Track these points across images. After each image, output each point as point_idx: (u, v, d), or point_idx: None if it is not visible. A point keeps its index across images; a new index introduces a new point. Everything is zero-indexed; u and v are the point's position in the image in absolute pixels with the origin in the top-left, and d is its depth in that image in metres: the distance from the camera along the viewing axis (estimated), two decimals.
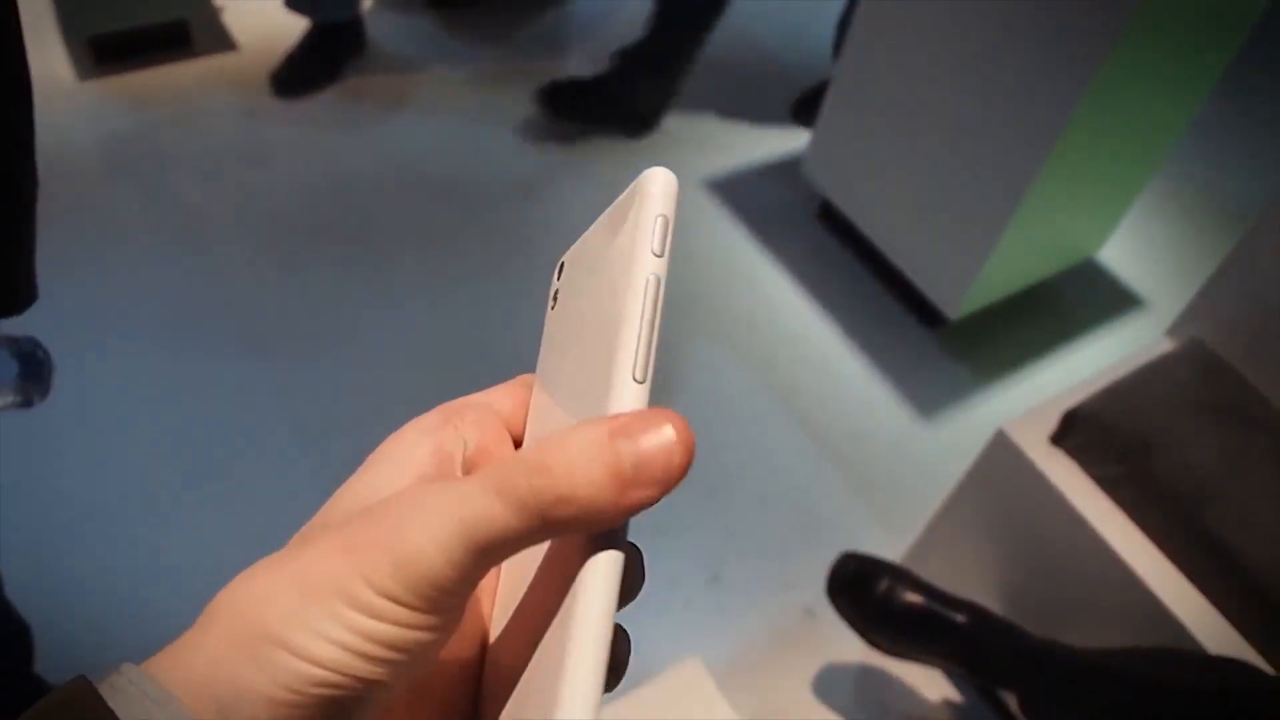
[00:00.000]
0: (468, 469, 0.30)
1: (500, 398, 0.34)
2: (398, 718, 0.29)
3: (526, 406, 0.34)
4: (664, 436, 0.26)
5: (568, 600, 0.26)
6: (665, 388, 1.75)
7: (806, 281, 2.06)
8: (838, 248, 2.13)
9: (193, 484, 1.55)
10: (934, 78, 1.74)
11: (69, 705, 0.24)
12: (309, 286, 1.86)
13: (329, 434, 1.61)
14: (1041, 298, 2.08)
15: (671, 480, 0.25)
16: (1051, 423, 1.26)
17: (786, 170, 2.28)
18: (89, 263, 1.81)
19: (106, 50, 2.19)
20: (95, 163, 2.01)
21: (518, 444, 0.33)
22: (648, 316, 0.27)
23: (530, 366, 0.35)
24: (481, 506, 0.25)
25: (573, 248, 0.34)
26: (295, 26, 2.28)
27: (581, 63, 2.15)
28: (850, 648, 1.48)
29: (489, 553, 0.25)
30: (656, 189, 0.28)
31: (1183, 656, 1.11)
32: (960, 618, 1.25)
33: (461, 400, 0.33)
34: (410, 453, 0.30)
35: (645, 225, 0.28)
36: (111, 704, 0.24)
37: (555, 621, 0.26)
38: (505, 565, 0.33)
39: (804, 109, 2.41)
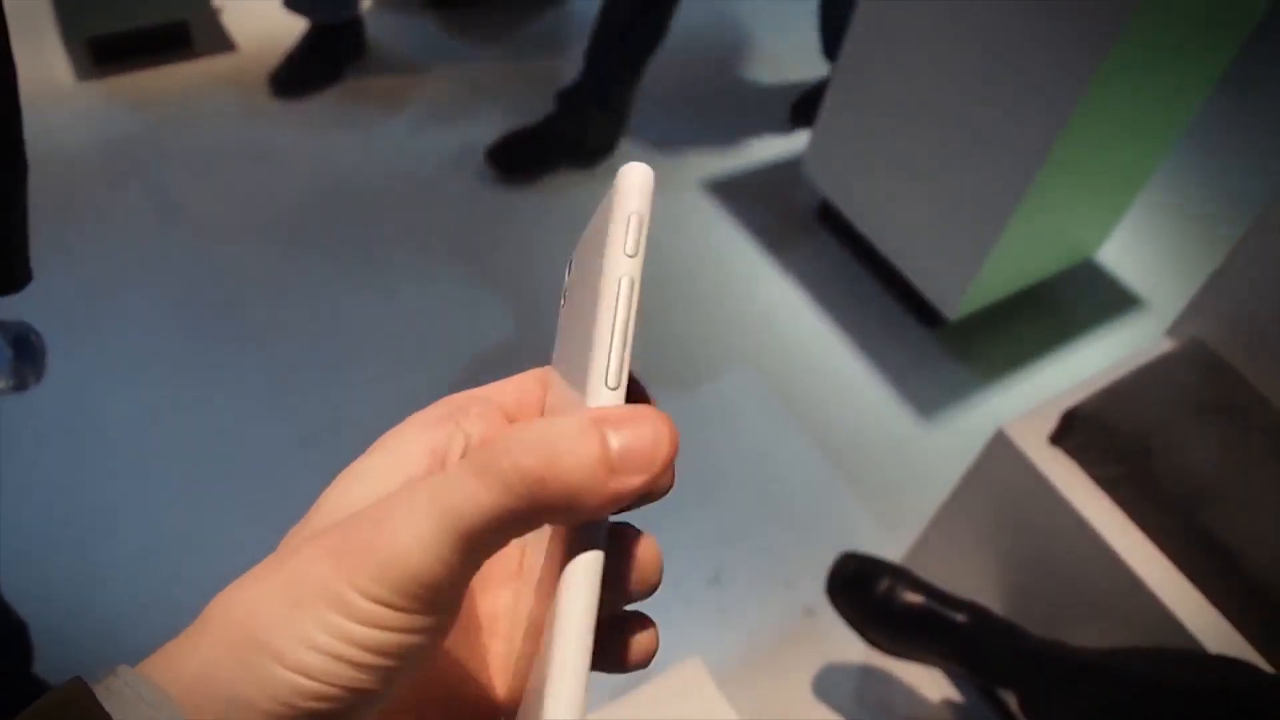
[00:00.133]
0: None
1: (507, 391, 0.33)
2: None
3: (535, 400, 0.33)
4: (649, 426, 0.25)
5: (553, 603, 0.25)
6: (666, 388, 1.75)
7: (806, 282, 2.06)
8: (837, 248, 2.13)
9: (192, 481, 1.55)
10: (933, 78, 1.74)
11: (65, 707, 0.24)
12: (308, 286, 1.86)
13: (328, 432, 1.61)
14: (1041, 298, 2.08)
15: (656, 470, 0.25)
16: (1051, 423, 1.26)
17: (786, 170, 2.28)
18: (89, 262, 1.81)
19: (106, 51, 2.19)
20: (95, 163, 2.01)
21: None
22: (620, 321, 0.27)
23: (529, 365, 0.35)
24: (461, 492, 0.24)
25: (579, 242, 0.34)
26: (295, 27, 2.28)
27: (580, 62, 2.14)
28: (850, 647, 1.48)
29: (474, 540, 0.25)
30: (630, 185, 0.28)
31: (1183, 656, 1.11)
32: (960, 617, 1.25)
33: (466, 394, 0.32)
34: (404, 448, 0.29)
35: (619, 224, 0.27)
36: (107, 706, 0.23)
37: (546, 625, 0.26)
38: (522, 584, 0.33)
39: (802, 110, 2.39)
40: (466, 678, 0.31)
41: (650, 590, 0.30)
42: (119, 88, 2.18)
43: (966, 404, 1.89)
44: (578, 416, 0.25)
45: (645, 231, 0.27)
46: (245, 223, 1.96)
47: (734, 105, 2.46)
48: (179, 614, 0.27)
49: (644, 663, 0.30)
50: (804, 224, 2.18)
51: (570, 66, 2.44)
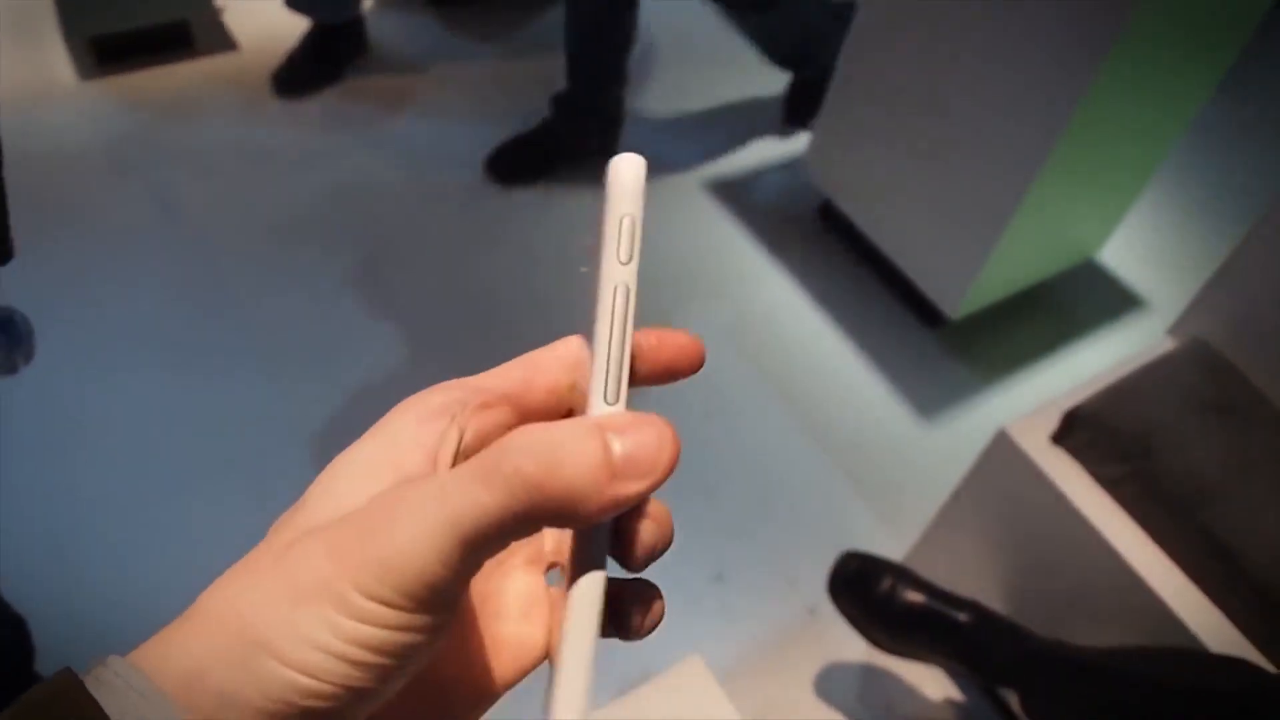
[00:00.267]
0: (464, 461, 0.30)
1: (514, 374, 0.31)
2: None
3: (547, 378, 0.31)
4: (652, 432, 0.25)
5: (562, 613, 0.26)
6: (667, 387, 1.74)
7: (807, 281, 2.06)
8: (838, 247, 2.13)
9: (189, 476, 1.55)
10: (935, 77, 1.74)
11: (55, 699, 0.24)
12: (309, 286, 1.86)
13: (324, 429, 1.61)
14: (1043, 297, 2.08)
15: (658, 476, 0.25)
16: (1053, 422, 1.26)
17: (787, 170, 2.28)
18: (90, 260, 1.82)
19: (108, 50, 2.19)
20: (97, 162, 2.01)
21: (538, 417, 0.31)
22: (616, 333, 0.27)
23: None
24: (463, 497, 0.24)
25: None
26: (296, 27, 2.28)
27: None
28: (852, 647, 1.48)
29: (476, 543, 0.25)
30: (621, 182, 0.27)
31: (1184, 656, 1.11)
32: (962, 617, 1.25)
33: (468, 382, 0.31)
34: (397, 441, 0.28)
35: (611, 228, 0.27)
36: (97, 696, 0.23)
37: (556, 638, 0.27)
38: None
39: (794, 111, 2.39)
40: (460, 661, 0.31)
41: (661, 550, 0.30)
42: (120, 87, 2.18)
43: (968, 404, 1.89)
44: (581, 421, 0.25)
45: (639, 233, 0.27)
46: (245, 221, 1.96)
47: (735, 105, 2.46)
48: (178, 606, 0.27)
49: (649, 630, 0.31)
50: (805, 224, 2.18)
51: None
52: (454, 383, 0.31)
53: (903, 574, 1.30)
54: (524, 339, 0.33)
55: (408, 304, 1.86)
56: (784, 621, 1.53)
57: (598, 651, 0.28)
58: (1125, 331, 2.09)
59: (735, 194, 2.21)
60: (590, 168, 2.17)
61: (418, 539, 0.24)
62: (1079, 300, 2.14)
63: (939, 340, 1.99)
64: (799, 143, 2.14)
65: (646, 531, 0.29)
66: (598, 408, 0.27)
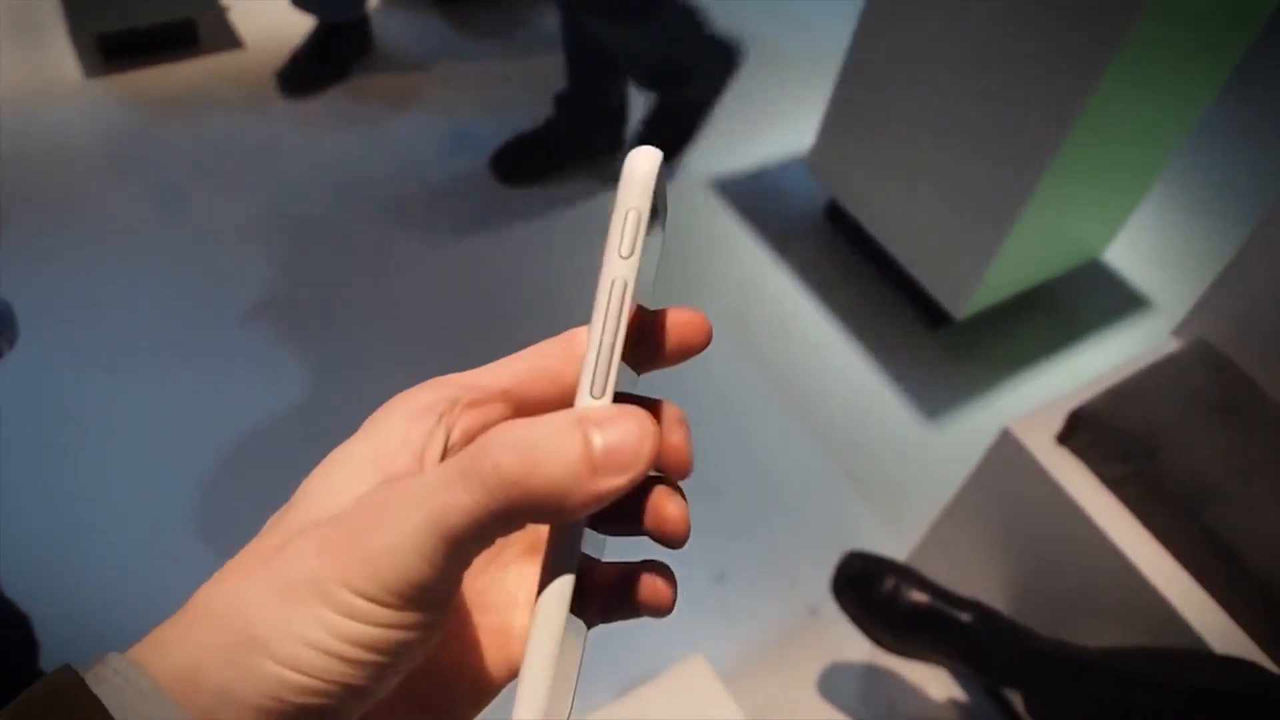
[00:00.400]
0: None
1: (511, 369, 0.31)
2: None
3: (546, 373, 0.31)
4: (633, 424, 0.25)
5: (531, 618, 0.27)
6: (669, 388, 1.75)
7: (812, 281, 2.06)
8: (844, 247, 2.13)
9: (192, 473, 1.55)
10: (940, 77, 1.74)
11: (55, 696, 0.24)
12: (312, 285, 1.87)
13: (330, 426, 1.61)
14: (1047, 298, 2.08)
15: (640, 468, 0.25)
16: (1057, 422, 1.26)
17: (793, 169, 2.27)
18: (93, 257, 1.82)
19: (114, 48, 2.19)
20: (101, 160, 2.02)
21: (540, 410, 0.31)
22: (610, 327, 0.27)
23: None
24: (444, 496, 0.24)
25: None
26: (302, 25, 2.28)
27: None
28: (855, 646, 1.48)
29: (460, 542, 0.25)
30: (633, 176, 0.27)
31: (1189, 656, 1.11)
32: (965, 617, 1.25)
33: (461, 378, 0.31)
34: (385, 438, 0.29)
35: (616, 222, 0.27)
36: (98, 693, 0.23)
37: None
38: None
39: (651, 134, 2.21)
40: (458, 655, 0.31)
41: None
42: (125, 84, 2.18)
43: (972, 403, 1.89)
44: (561, 415, 0.25)
45: (643, 228, 0.27)
46: (250, 219, 1.96)
47: (739, 104, 2.45)
48: (177, 602, 0.27)
49: (658, 608, 0.31)
50: (810, 223, 2.18)
51: None
52: (444, 379, 0.31)
53: (906, 574, 1.30)
54: (528, 337, 0.33)
55: (411, 302, 1.87)
56: (786, 621, 1.53)
57: (582, 652, 0.29)
58: (1130, 332, 2.09)
59: (740, 193, 2.21)
60: (596, 166, 2.18)
61: (401, 539, 0.24)
62: (1084, 300, 2.14)
63: (943, 340, 1.99)
64: (806, 141, 2.13)
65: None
66: (583, 401, 0.27)
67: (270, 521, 0.28)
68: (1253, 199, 2.38)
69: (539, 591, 0.27)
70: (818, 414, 1.82)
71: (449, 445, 0.29)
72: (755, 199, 2.20)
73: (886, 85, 1.86)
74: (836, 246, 2.14)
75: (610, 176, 2.22)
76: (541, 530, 0.33)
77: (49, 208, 1.88)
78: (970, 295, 1.84)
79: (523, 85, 2.35)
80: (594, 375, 0.27)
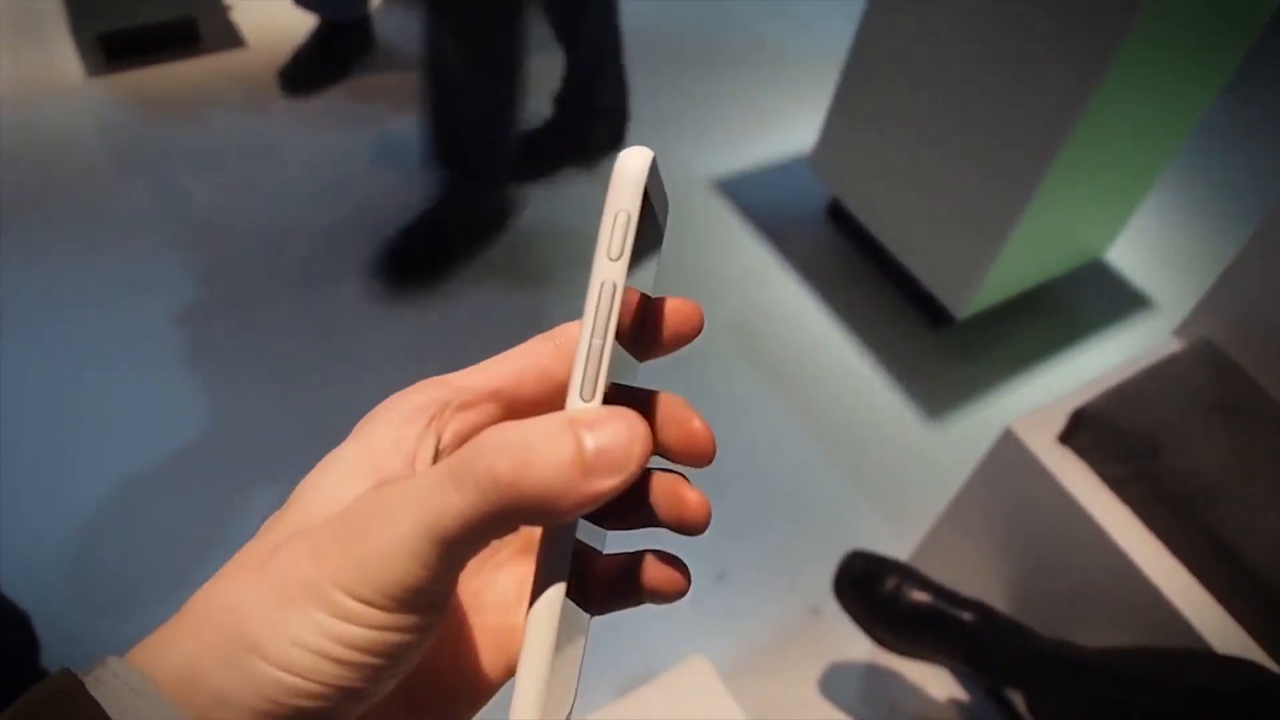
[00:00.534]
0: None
1: (503, 368, 0.31)
2: None
3: (538, 369, 0.31)
4: (624, 426, 0.25)
5: (524, 625, 0.27)
6: (671, 387, 1.74)
7: (814, 280, 2.05)
8: (846, 247, 2.13)
9: (194, 473, 1.55)
10: (942, 76, 1.74)
11: (55, 699, 0.24)
12: (315, 284, 1.87)
13: (333, 426, 1.61)
14: (1049, 298, 2.07)
15: (631, 470, 0.25)
16: (1059, 422, 1.26)
17: (795, 169, 2.27)
18: (96, 256, 1.82)
19: (116, 47, 2.19)
20: (103, 159, 2.02)
21: (532, 408, 0.32)
22: (599, 329, 0.27)
23: None
24: (437, 498, 0.24)
25: None
26: (304, 24, 2.28)
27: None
28: (857, 646, 1.48)
29: (453, 545, 0.25)
30: (623, 176, 0.27)
31: (1190, 656, 1.11)
32: (967, 616, 1.25)
33: (454, 379, 0.31)
34: (377, 441, 0.29)
35: (606, 224, 0.27)
36: (96, 696, 0.24)
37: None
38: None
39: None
40: (454, 656, 0.31)
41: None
42: (128, 83, 2.18)
43: (974, 403, 1.89)
44: (552, 417, 0.25)
45: (632, 230, 0.27)
46: (252, 218, 1.96)
47: (741, 104, 2.46)
48: (178, 601, 0.27)
49: (672, 593, 0.31)
50: (812, 223, 2.18)
51: None
52: (435, 381, 0.31)
53: (908, 573, 1.30)
54: (529, 335, 0.33)
55: (413, 301, 1.86)
56: (787, 621, 1.53)
57: (584, 644, 0.29)
58: (1131, 332, 2.09)
59: (742, 192, 2.21)
60: (598, 164, 2.18)
61: (395, 542, 0.24)
62: (1085, 300, 2.14)
63: (945, 339, 1.99)
64: (808, 141, 2.13)
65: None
66: (573, 404, 0.27)
67: (266, 524, 0.28)
68: (1254, 199, 2.38)
69: (533, 591, 0.27)
70: (819, 413, 1.82)
71: (441, 448, 0.29)
72: (757, 198, 2.20)
73: (888, 85, 1.86)
74: (838, 246, 2.13)
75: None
76: (535, 530, 0.33)
77: (50, 206, 1.88)
78: (972, 295, 1.84)
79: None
80: (583, 378, 0.27)
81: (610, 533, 0.32)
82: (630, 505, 0.30)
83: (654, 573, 0.31)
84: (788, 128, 2.38)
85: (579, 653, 0.29)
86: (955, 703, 1.45)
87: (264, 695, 0.24)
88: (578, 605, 0.29)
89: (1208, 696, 1.02)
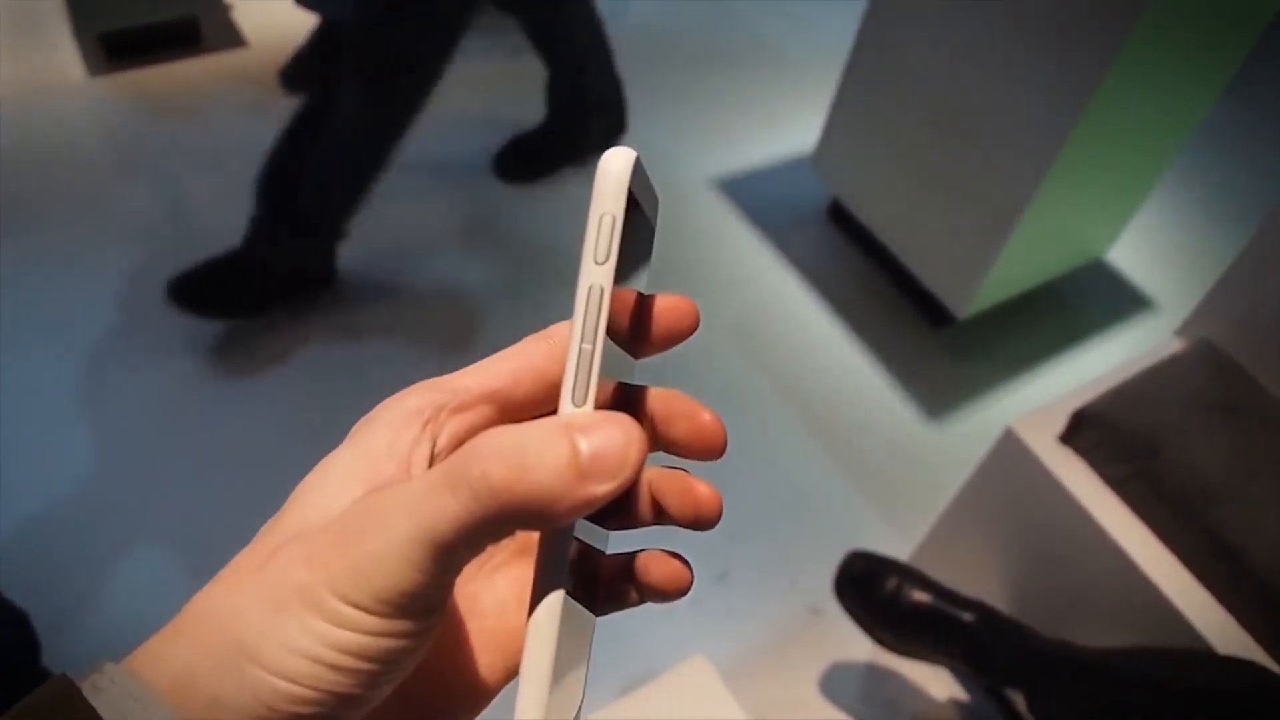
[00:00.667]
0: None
1: (498, 368, 0.31)
2: None
3: (533, 369, 0.31)
4: (619, 430, 0.25)
5: (525, 631, 0.27)
6: (673, 387, 1.74)
7: (815, 280, 2.05)
8: (847, 246, 2.13)
9: (196, 473, 1.55)
10: (944, 77, 1.74)
11: (52, 704, 0.24)
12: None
13: (336, 427, 1.61)
14: (1050, 297, 2.07)
15: (626, 474, 0.25)
16: (1060, 422, 1.26)
17: (796, 169, 2.27)
18: (96, 257, 1.82)
19: (117, 47, 2.19)
20: (105, 158, 2.02)
21: (527, 409, 0.32)
22: (588, 334, 0.27)
23: None
24: (432, 503, 0.24)
25: None
26: (305, 24, 2.28)
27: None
28: (857, 646, 1.48)
29: (448, 550, 0.25)
30: (607, 178, 0.27)
31: (1192, 656, 1.11)
32: (967, 616, 1.25)
33: (449, 381, 0.31)
34: (372, 446, 0.29)
35: (591, 227, 0.27)
36: (94, 703, 0.24)
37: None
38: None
39: (510, 163, 2.19)
40: (452, 660, 0.31)
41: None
42: (130, 83, 2.18)
43: (975, 403, 1.89)
44: (547, 421, 0.25)
45: (618, 232, 0.27)
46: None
47: (742, 104, 2.45)
48: (179, 600, 0.27)
49: (677, 590, 0.31)
50: (813, 222, 2.18)
51: None
52: (429, 383, 0.31)
53: (908, 573, 1.30)
54: (530, 334, 0.33)
55: (415, 300, 1.87)
56: (788, 621, 1.53)
57: (590, 643, 0.29)
58: (1132, 332, 2.09)
59: (742, 192, 2.21)
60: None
61: (389, 547, 0.24)
62: (1087, 300, 2.14)
63: (946, 339, 1.99)
64: (809, 141, 2.13)
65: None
66: (565, 409, 0.27)
67: (263, 529, 0.28)
68: (1256, 199, 2.38)
69: (533, 595, 0.27)
70: (820, 413, 1.82)
71: (436, 451, 0.29)
72: (758, 199, 2.20)
73: (890, 85, 1.86)
74: (839, 246, 2.13)
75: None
76: (533, 532, 0.33)
77: (50, 205, 1.88)
78: (973, 295, 1.84)
79: (525, 85, 2.35)
80: (574, 383, 0.27)
81: (612, 532, 0.32)
82: (632, 505, 0.30)
83: (658, 570, 0.31)
84: (788, 128, 2.38)
85: (584, 654, 0.29)
86: (956, 703, 1.45)
87: (261, 701, 0.24)
88: (582, 606, 0.29)
89: (1208, 697, 1.02)
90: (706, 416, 0.31)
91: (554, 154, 2.16)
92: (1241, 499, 1.14)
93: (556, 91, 2.12)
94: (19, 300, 1.72)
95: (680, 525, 0.31)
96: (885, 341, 1.96)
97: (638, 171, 0.28)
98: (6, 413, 1.56)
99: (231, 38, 2.34)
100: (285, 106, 2.19)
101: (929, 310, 2.00)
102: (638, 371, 0.33)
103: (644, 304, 0.31)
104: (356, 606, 0.24)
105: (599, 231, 0.27)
